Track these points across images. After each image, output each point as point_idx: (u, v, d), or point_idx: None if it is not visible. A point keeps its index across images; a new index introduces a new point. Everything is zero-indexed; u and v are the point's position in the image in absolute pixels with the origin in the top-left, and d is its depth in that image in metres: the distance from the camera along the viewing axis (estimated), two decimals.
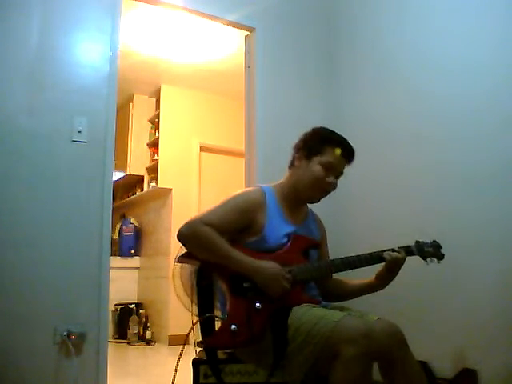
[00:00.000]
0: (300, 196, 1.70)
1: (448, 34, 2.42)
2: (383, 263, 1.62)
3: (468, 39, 2.31)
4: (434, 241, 1.70)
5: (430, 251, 1.67)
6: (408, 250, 1.65)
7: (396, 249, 1.62)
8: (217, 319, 1.54)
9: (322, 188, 1.66)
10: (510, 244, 2.03)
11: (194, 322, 1.54)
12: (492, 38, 2.20)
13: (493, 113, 2.16)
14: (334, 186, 1.67)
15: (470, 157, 2.23)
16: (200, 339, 1.53)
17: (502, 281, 2.04)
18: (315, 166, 1.63)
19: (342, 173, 1.69)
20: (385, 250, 1.62)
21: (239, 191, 1.65)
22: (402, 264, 1.61)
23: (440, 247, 1.69)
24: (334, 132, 1.71)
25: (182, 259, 1.63)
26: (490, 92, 2.18)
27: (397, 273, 1.63)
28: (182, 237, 1.55)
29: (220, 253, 1.52)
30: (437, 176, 2.38)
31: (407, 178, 2.54)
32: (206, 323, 1.53)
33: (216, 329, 1.52)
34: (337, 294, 1.75)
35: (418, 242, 1.68)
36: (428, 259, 1.67)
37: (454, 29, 2.39)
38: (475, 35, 2.28)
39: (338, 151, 1.64)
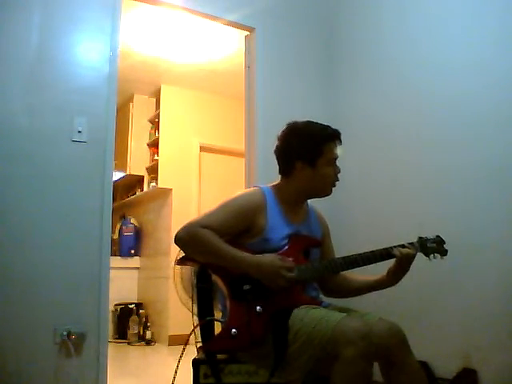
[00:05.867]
0: (309, 197, 1.71)
1: (448, 32, 2.42)
2: (389, 260, 1.60)
3: (468, 38, 2.31)
4: (438, 236, 1.67)
5: (433, 247, 1.64)
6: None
7: (406, 244, 1.60)
8: (217, 322, 1.54)
9: (334, 183, 1.67)
10: (511, 244, 2.03)
11: (195, 325, 1.53)
12: (491, 37, 2.20)
13: (493, 112, 2.16)
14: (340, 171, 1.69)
15: (470, 156, 2.23)
16: (200, 339, 1.53)
17: (502, 281, 2.04)
18: (324, 169, 1.62)
19: None
20: (395, 246, 1.60)
21: (239, 193, 1.63)
22: (413, 260, 1.59)
23: (443, 242, 1.66)
24: (319, 125, 1.67)
25: (180, 262, 1.62)
26: (490, 92, 2.18)
27: (408, 269, 1.60)
28: (179, 240, 1.54)
29: (217, 252, 1.50)
30: (437, 175, 2.38)
31: (407, 177, 2.54)
32: (205, 327, 1.52)
33: (216, 331, 1.51)
34: (341, 291, 1.73)
35: (420, 238, 1.66)
36: (431, 255, 1.65)
37: (454, 27, 2.39)
38: (475, 35, 2.28)
39: (337, 143, 1.64)
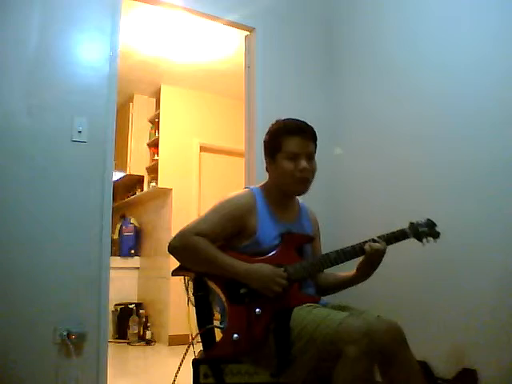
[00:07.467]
0: (285, 193, 1.67)
1: (449, 30, 2.41)
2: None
3: (470, 36, 2.31)
4: (428, 219, 1.66)
5: (425, 231, 1.64)
6: (403, 233, 1.62)
7: (376, 238, 1.59)
8: (217, 329, 1.53)
9: (298, 178, 1.60)
10: (511, 243, 2.03)
11: (195, 334, 1.53)
12: (492, 36, 2.20)
13: (493, 111, 2.16)
14: (309, 170, 1.61)
15: (469, 154, 2.23)
16: (202, 347, 1.52)
17: (502, 280, 2.04)
18: (282, 164, 1.59)
19: (312, 154, 1.63)
20: (366, 241, 1.58)
21: (229, 196, 1.62)
22: (383, 254, 1.57)
23: (434, 225, 1.65)
24: (286, 120, 1.65)
25: (175, 272, 1.61)
26: (490, 91, 2.18)
27: (378, 264, 1.59)
28: (172, 250, 1.54)
29: (212, 260, 1.50)
30: (437, 173, 2.38)
31: (407, 176, 2.54)
32: (206, 334, 1.52)
33: (217, 338, 1.51)
34: (322, 288, 1.72)
35: (411, 224, 1.65)
36: (424, 239, 1.64)
37: (456, 25, 2.38)
38: (476, 33, 2.27)
39: (298, 138, 1.58)
